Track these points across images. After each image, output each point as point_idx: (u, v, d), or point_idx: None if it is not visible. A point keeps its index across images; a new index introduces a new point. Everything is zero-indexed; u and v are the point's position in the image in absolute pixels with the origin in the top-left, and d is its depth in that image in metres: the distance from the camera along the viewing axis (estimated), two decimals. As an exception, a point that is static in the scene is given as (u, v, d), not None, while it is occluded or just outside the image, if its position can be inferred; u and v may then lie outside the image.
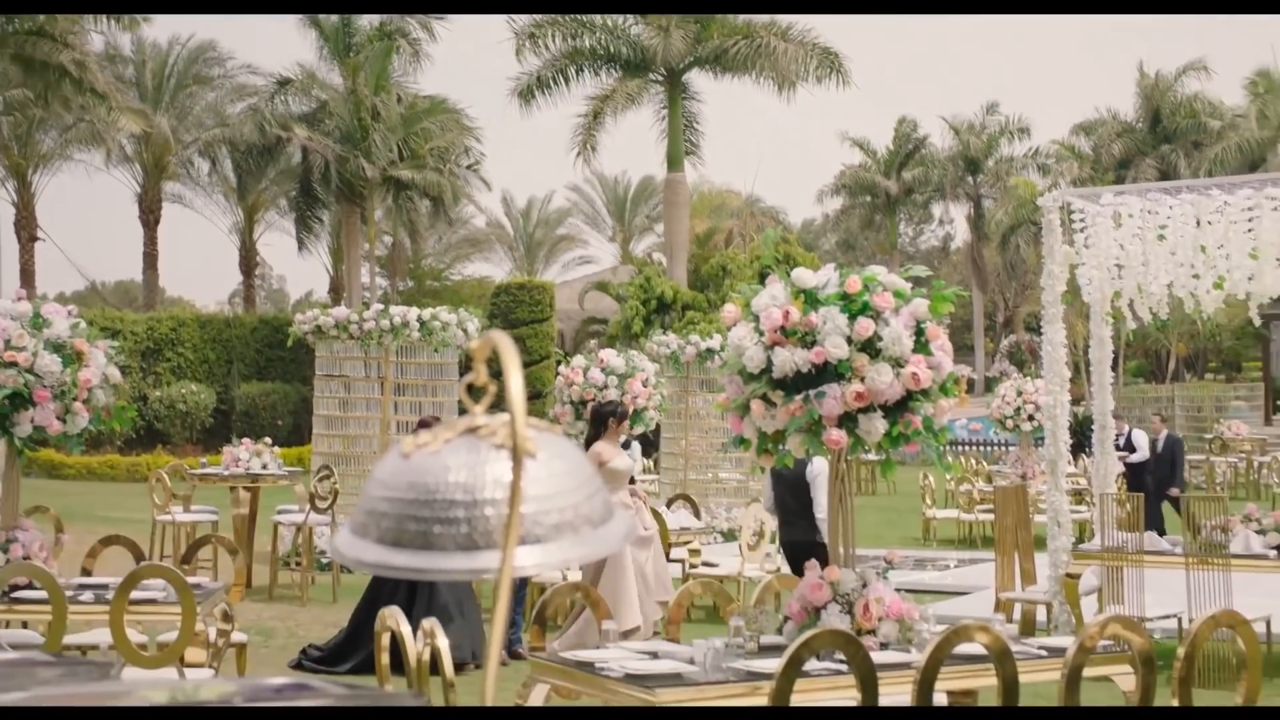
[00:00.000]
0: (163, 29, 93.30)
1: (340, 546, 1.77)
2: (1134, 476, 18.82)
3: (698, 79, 39.42)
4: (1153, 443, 19.84)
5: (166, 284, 52.82)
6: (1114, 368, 14.11)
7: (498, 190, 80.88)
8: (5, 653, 6.60)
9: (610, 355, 16.51)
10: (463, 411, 1.78)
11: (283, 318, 37.92)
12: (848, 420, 6.95)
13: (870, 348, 6.93)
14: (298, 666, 10.92)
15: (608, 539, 1.77)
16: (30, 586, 8.27)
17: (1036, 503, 15.83)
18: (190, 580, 8.41)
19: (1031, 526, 12.79)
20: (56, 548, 10.09)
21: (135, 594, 7.99)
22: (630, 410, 12.13)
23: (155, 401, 35.71)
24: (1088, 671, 6.02)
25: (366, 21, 41.82)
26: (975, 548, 19.57)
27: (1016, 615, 11.81)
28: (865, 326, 6.90)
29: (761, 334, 7.06)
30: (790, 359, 6.93)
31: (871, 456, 24.54)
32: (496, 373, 1.72)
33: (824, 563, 10.29)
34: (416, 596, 10.63)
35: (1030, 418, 21.48)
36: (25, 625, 8.99)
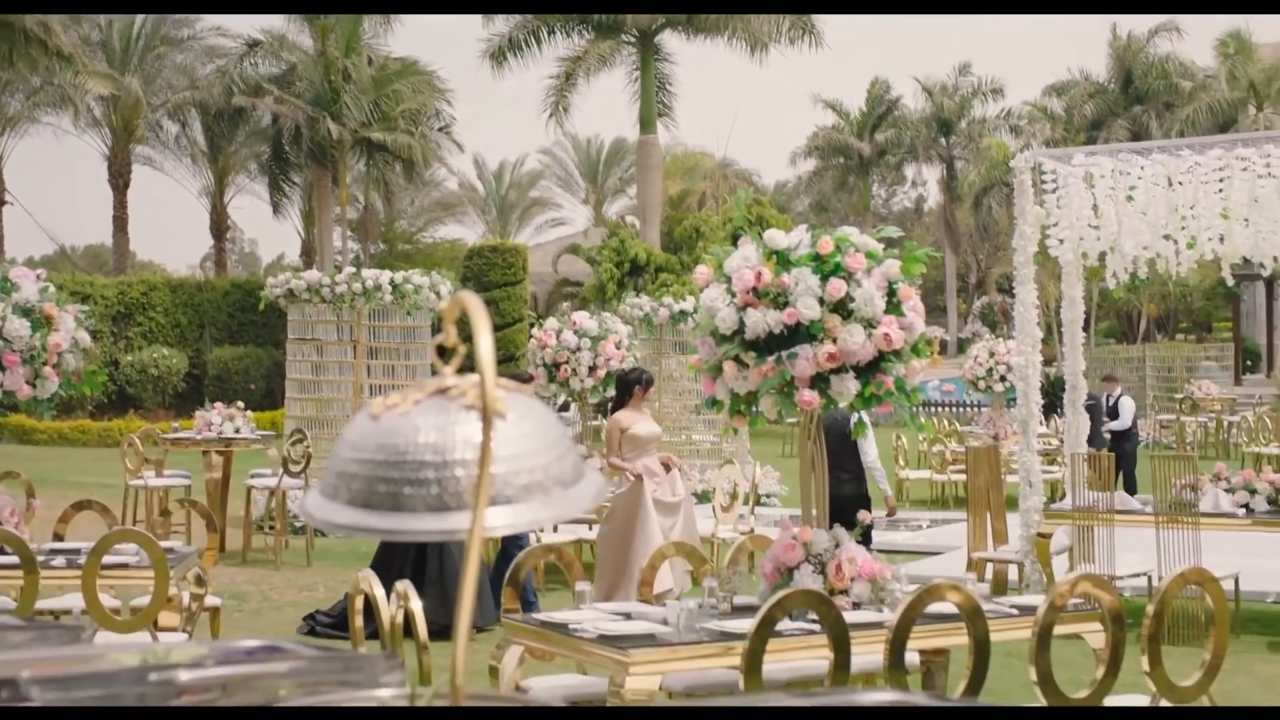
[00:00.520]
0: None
1: (310, 508, 1.77)
2: (1115, 443, 18.83)
3: (670, 40, 39.31)
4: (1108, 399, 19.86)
5: (137, 248, 52.56)
6: (1085, 329, 14.16)
7: (470, 153, 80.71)
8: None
9: (583, 318, 16.50)
10: (435, 374, 1.78)
11: (254, 281, 37.76)
12: (820, 381, 6.96)
13: (842, 309, 6.94)
14: (309, 633, 10.85)
15: (579, 499, 1.76)
16: (2, 552, 8.24)
17: (1008, 463, 15.89)
18: (163, 544, 8.40)
19: (1003, 487, 12.86)
20: (28, 513, 10.05)
21: (107, 559, 7.97)
22: (653, 377, 12.15)
23: (127, 366, 35.56)
24: (1058, 629, 6.06)
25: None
26: (948, 508, 19.68)
27: (988, 575, 11.88)
28: (837, 287, 6.90)
29: (734, 295, 7.06)
30: (762, 320, 6.94)
31: (844, 418, 24.64)
32: (468, 335, 1.72)
33: (855, 512, 10.71)
34: (427, 562, 10.51)
35: (1002, 378, 21.54)
36: (-3, 590, 8.97)
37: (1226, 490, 11.15)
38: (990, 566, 12.07)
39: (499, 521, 1.69)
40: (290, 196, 45.07)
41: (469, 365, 1.70)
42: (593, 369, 16.05)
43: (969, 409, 34.14)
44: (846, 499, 11.22)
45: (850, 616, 6.26)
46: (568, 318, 16.54)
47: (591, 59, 38.33)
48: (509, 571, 7.44)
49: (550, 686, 7.16)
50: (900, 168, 60.20)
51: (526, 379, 11.57)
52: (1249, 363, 44.21)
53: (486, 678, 7.11)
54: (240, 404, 17.01)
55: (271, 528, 15.14)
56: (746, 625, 5.84)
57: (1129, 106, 47.05)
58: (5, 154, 42.21)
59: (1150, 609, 5.99)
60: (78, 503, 9.80)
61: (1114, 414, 19.36)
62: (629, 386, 11.43)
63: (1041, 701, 5.66)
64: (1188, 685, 6.11)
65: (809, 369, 6.89)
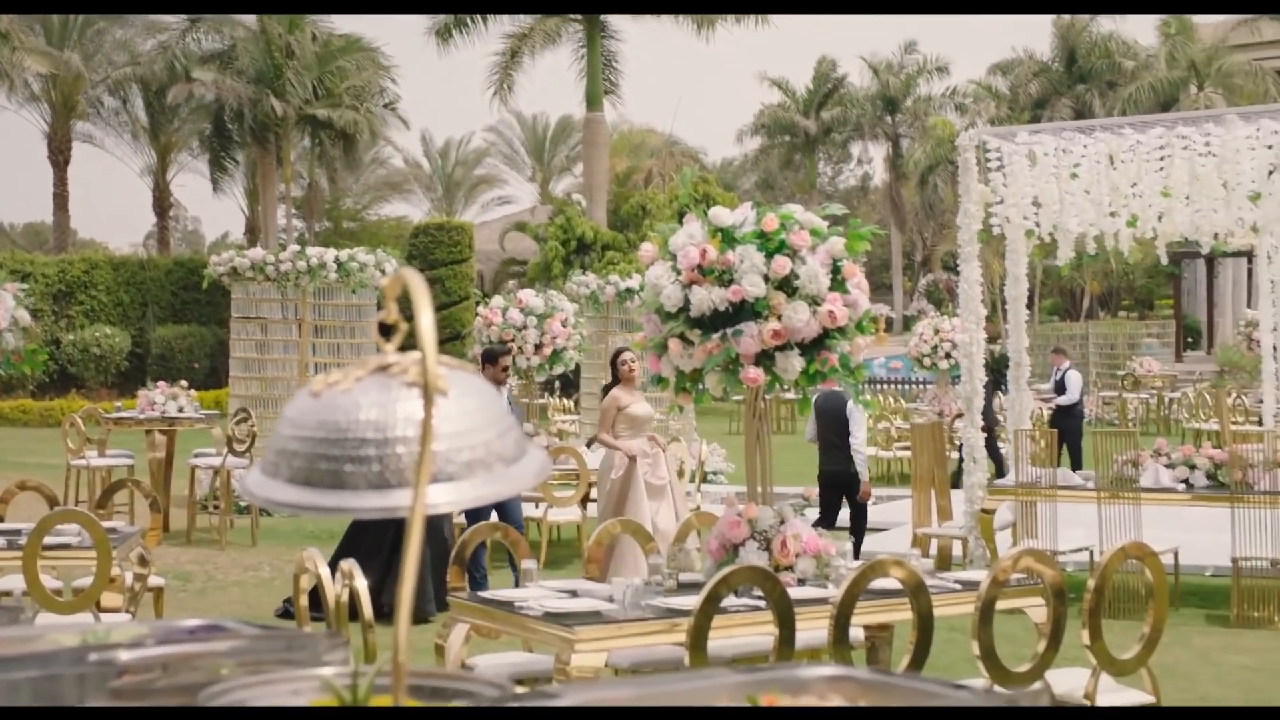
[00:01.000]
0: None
1: (250, 486, 1.76)
2: (1060, 416, 18.89)
3: (616, 18, 39.19)
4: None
5: (78, 226, 52.01)
6: (1029, 306, 14.27)
7: (416, 130, 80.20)
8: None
9: (529, 295, 16.49)
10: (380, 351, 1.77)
11: (198, 260, 37.45)
12: (765, 358, 6.99)
13: (787, 286, 6.96)
14: (284, 615, 10.71)
15: (521, 476, 1.76)
16: (-59, 533, 8.16)
17: (953, 439, 16.00)
18: (106, 525, 8.34)
19: (948, 463, 12.95)
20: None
21: (49, 539, 7.91)
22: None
23: (68, 345, 35.21)
24: (1001, 604, 6.12)
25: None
26: (893, 485, 19.79)
27: (933, 550, 11.97)
28: (782, 265, 6.92)
29: (679, 273, 7.07)
30: (707, 297, 6.95)
31: (790, 395, 24.74)
32: (412, 313, 1.71)
33: (856, 490, 11.80)
34: (399, 544, 10.21)
35: (947, 355, 21.68)
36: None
37: (1167, 466, 11.27)
38: (935, 542, 12.16)
39: (441, 499, 1.68)
40: (233, 174, 44.70)
41: (412, 343, 1.70)
42: (539, 347, 16.05)
43: (915, 386, 34.34)
44: (837, 476, 12.37)
45: (795, 592, 6.29)
46: (514, 296, 16.51)
47: (537, 36, 38.19)
48: (455, 550, 7.43)
49: (496, 665, 7.16)
50: (846, 146, 60.33)
51: (504, 352, 11.53)
52: (1190, 340, 44.66)
53: (433, 656, 7.11)
54: (184, 383, 16.89)
55: (216, 507, 15.06)
56: (692, 602, 5.86)
57: (1073, 85, 47.33)
58: (-58, 131, 41.58)
59: (1091, 583, 6.06)
60: (19, 483, 9.71)
61: (1060, 389, 19.43)
62: (615, 363, 11.51)
63: (984, 676, 5.72)
64: (1127, 658, 6.19)
65: (754, 346, 6.91)
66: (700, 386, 7.26)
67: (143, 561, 8.84)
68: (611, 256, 35.05)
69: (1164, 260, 12.02)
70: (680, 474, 13.49)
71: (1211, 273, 43.39)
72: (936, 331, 22.52)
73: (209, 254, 31.72)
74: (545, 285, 28.32)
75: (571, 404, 26.03)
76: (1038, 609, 6.62)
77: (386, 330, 1.76)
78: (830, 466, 12.47)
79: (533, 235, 41.11)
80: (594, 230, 36.99)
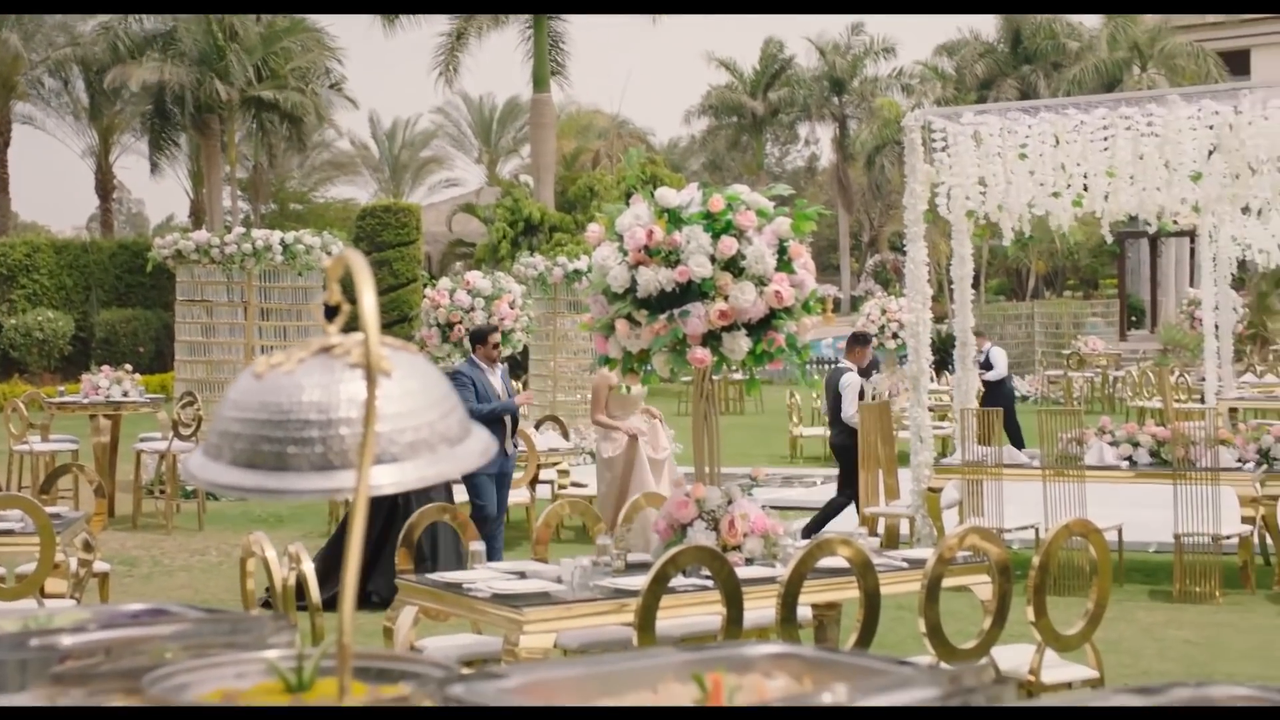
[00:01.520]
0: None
1: (193, 469, 1.75)
2: (991, 393, 19.07)
3: (563, -3, 39.07)
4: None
5: (19, 208, 51.25)
6: (975, 285, 14.36)
7: (363, 112, 79.72)
8: None
9: (476, 277, 16.45)
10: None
11: (142, 242, 37.10)
12: (712, 339, 7.00)
13: (734, 266, 6.98)
14: (265, 605, 10.50)
15: (465, 457, 1.76)
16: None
17: (900, 419, 16.09)
18: (50, 510, 8.27)
19: (895, 443, 13.02)
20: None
21: (-8, 525, 7.83)
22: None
23: (10, 330, 34.83)
24: (947, 582, 6.17)
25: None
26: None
27: (881, 529, 12.04)
28: (728, 245, 6.94)
29: (625, 254, 7.07)
30: (654, 278, 6.96)
31: (738, 375, 24.78)
32: (355, 294, 1.70)
33: (852, 461, 12.13)
34: (394, 524, 9.73)
35: (894, 335, 21.80)
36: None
37: (1111, 444, 11.38)
38: (882, 521, 12.23)
39: (385, 480, 1.68)
40: (176, 156, 44.27)
41: (356, 324, 1.69)
42: (487, 329, 15.99)
43: (862, 366, 34.42)
44: (838, 447, 13.17)
45: (743, 572, 6.32)
46: (461, 277, 16.47)
47: (484, 17, 38.03)
48: (403, 532, 7.41)
49: (445, 647, 7.16)
50: (793, 127, 60.39)
51: (491, 330, 11.49)
52: (1133, 319, 45.05)
53: (381, 639, 7.10)
54: (128, 367, 16.76)
55: (162, 492, 14.95)
56: (640, 582, 5.87)
57: (1018, 66, 47.55)
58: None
59: (1036, 560, 6.12)
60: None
61: (987, 365, 19.63)
62: None
63: (930, 653, 5.76)
64: (1071, 634, 6.25)
65: (701, 326, 6.92)
66: (647, 367, 7.26)
67: (87, 547, 8.77)
68: (559, 238, 34.99)
69: (1109, 239, 12.12)
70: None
71: (1155, 252, 43.77)
72: (884, 311, 22.65)
73: (153, 237, 31.44)
74: (493, 267, 28.26)
75: (520, 386, 25.99)
76: (983, 586, 6.68)
77: (331, 312, 1.76)
78: (835, 440, 13.28)
79: (480, 217, 41.00)
80: (541, 212, 36.91)
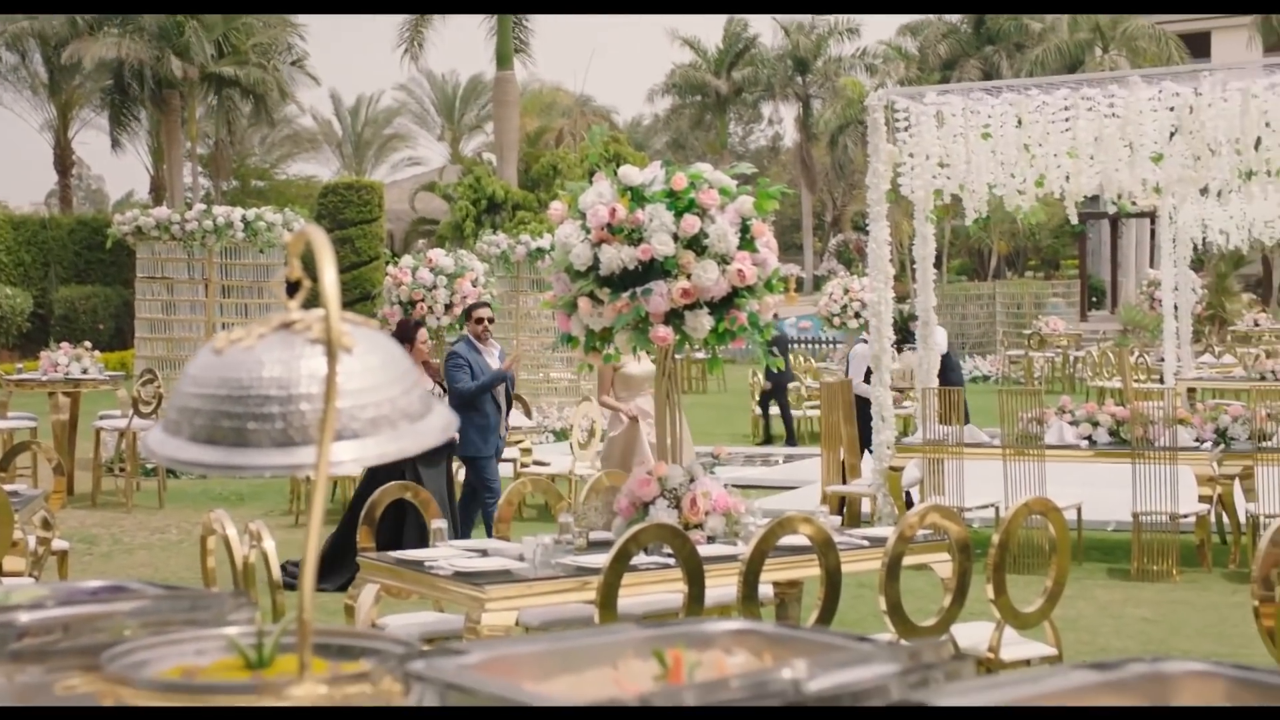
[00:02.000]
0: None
1: (152, 445, 1.74)
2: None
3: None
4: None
5: (-24, 184, 50.78)
6: (938, 265, 14.41)
7: (326, 89, 79.25)
8: None
9: (439, 255, 16.39)
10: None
11: (102, 219, 36.83)
12: (674, 317, 7.01)
13: (696, 244, 6.98)
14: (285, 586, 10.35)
15: (426, 433, 1.76)
16: None
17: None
18: (8, 488, 8.21)
19: (856, 421, 13.06)
20: None
21: (-51, 502, 7.76)
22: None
23: (-33, 306, 34.57)
24: (907, 560, 6.20)
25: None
26: (804, 443, 19.93)
27: (842, 508, 12.09)
28: (691, 223, 6.94)
29: (588, 231, 7.06)
30: (617, 256, 6.95)
31: (700, 354, 24.80)
32: (316, 271, 1.69)
33: (864, 431, 12.21)
34: (407, 514, 9.45)
35: (857, 315, 21.83)
36: None
37: (1071, 423, 11.45)
38: (844, 499, 12.28)
39: (346, 456, 1.68)
40: (136, 132, 43.93)
41: (317, 300, 1.69)
42: (449, 306, 15.97)
43: (825, 345, 34.57)
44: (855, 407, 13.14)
45: (705, 550, 6.33)
46: (424, 255, 16.41)
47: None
48: (364, 510, 7.40)
49: (407, 625, 7.15)
50: (757, 106, 60.39)
51: (478, 306, 11.51)
52: (1094, 299, 45.30)
53: (343, 617, 7.09)
54: (88, 344, 16.63)
55: (122, 470, 14.87)
56: (602, 560, 5.88)
57: (981, 47, 47.66)
58: None
59: (996, 539, 6.15)
60: (-83, 446, 9.53)
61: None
62: None
63: (890, 630, 5.79)
64: (1030, 611, 6.29)
65: (663, 305, 6.93)
66: (610, 345, 7.26)
67: (46, 525, 8.72)
68: (522, 216, 34.91)
69: (1074, 219, 12.17)
70: (592, 434, 13.50)
71: (1115, 233, 43.99)
72: (846, 291, 22.67)
73: (113, 213, 31.20)
74: (456, 245, 28.16)
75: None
76: (944, 564, 6.71)
77: (292, 288, 1.75)
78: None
79: (443, 195, 40.84)
80: (504, 190, 36.81)
